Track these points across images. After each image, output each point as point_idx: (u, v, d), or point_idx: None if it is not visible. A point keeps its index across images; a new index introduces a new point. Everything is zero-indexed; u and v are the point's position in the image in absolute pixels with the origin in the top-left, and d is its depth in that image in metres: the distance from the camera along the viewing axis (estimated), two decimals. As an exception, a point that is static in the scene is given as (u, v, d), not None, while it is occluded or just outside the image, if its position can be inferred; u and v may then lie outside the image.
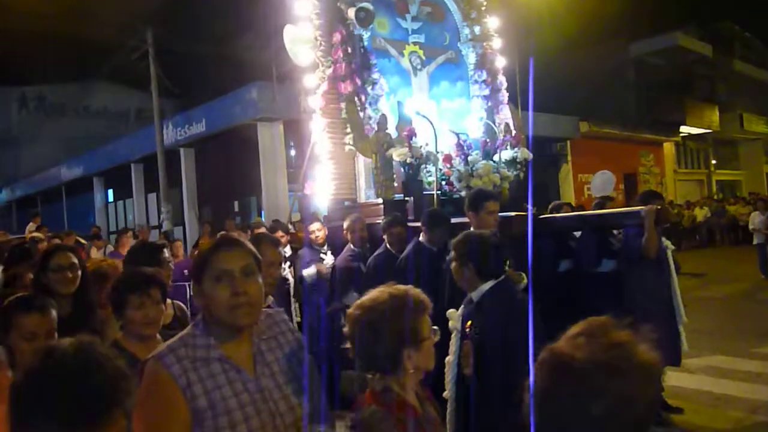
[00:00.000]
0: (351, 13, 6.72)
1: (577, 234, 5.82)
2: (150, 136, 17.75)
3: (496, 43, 8.11)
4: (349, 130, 6.68)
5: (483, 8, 8.06)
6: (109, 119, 30.82)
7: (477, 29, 7.91)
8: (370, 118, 6.60)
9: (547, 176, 21.86)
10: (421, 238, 4.93)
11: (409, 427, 1.94)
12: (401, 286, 2.06)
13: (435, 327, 2.07)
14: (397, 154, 6.21)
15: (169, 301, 3.06)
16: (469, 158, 6.87)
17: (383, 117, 6.46)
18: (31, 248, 5.34)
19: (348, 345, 2.05)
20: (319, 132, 6.70)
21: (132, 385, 1.31)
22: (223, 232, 7.60)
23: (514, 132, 7.32)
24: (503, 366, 2.86)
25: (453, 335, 3.36)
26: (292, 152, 16.12)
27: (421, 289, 2.11)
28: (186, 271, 9.02)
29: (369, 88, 6.71)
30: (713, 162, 31.38)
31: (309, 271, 5.84)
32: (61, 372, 1.23)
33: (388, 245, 5.26)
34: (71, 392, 1.20)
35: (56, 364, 1.25)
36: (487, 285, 3.26)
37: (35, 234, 10.66)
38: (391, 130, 6.47)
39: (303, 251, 6.29)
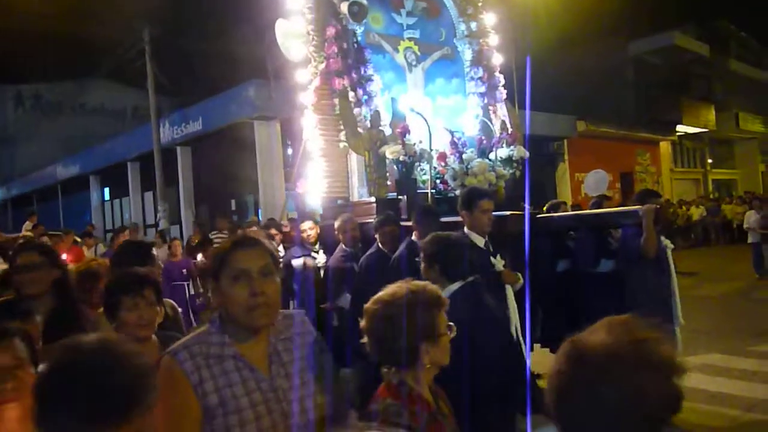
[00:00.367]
0: (344, 7, 6.58)
1: (574, 234, 5.80)
2: (147, 135, 17.74)
3: (493, 39, 7.99)
4: (341, 126, 6.56)
5: (479, 4, 7.90)
6: (105, 117, 30.74)
7: (473, 25, 7.79)
8: (363, 114, 6.49)
9: (543, 175, 21.88)
10: (414, 237, 4.86)
11: (423, 421, 1.95)
12: (419, 282, 2.08)
13: (450, 323, 2.07)
14: (390, 152, 6.11)
15: None
16: (464, 156, 6.78)
17: (376, 113, 6.34)
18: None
19: (365, 339, 2.05)
20: (311, 129, 6.58)
21: (154, 382, 1.31)
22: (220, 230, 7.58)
23: (510, 130, 7.24)
24: (467, 371, 2.81)
25: None
26: (289, 151, 16.10)
27: None
28: (185, 271, 9.03)
29: (364, 84, 6.58)
30: (709, 161, 31.46)
31: (297, 262, 5.85)
32: (84, 368, 1.24)
33: (380, 245, 5.19)
34: (94, 388, 1.21)
35: (79, 361, 1.25)
36: (454, 287, 3.18)
37: (27, 233, 10.65)
38: (385, 127, 6.36)
39: (293, 249, 6.26)
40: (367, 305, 2.06)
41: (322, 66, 6.62)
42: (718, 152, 32.33)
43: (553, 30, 18.46)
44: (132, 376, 1.25)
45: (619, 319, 1.22)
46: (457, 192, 6.47)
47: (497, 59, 7.98)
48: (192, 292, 8.80)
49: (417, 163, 6.33)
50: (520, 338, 4.26)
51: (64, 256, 9.15)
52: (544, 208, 7.29)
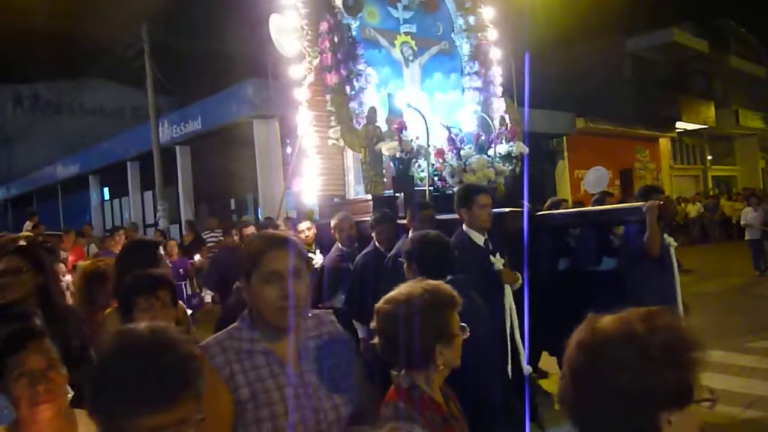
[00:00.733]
0: (339, 0, 6.49)
1: (575, 231, 5.70)
2: (146, 134, 17.72)
3: (491, 34, 7.88)
4: (332, 123, 6.43)
5: (477, -2, 7.78)
6: (104, 117, 30.73)
7: (471, 19, 7.67)
8: (355, 110, 6.37)
9: (542, 172, 21.87)
10: (410, 234, 4.83)
11: (437, 425, 1.92)
12: (432, 281, 2.05)
13: (463, 324, 2.04)
14: (387, 148, 6.00)
15: None
16: (462, 153, 6.68)
17: (372, 109, 6.20)
18: (51, 248, 5.13)
19: (375, 340, 2.02)
20: (305, 125, 6.46)
21: (203, 369, 1.34)
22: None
23: (509, 125, 7.12)
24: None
25: None
26: (288, 149, 16.09)
27: None
28: (181, 270, 9.01)
29: (354, 80, 6.45)
30: (709, 158, 31.44)
31: None
32: (137, 353, 1.27)
33: (376, 243, 5.10)
34: (146, 371, 1.24)
35: (132, 344, 1.29)
36: None
37: (30, 233, 10.63)
38: (381, 123, 6.23)
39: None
40: (379, 304, 2.02)
41: (317, 61, 6.50)
42: (718, 149, 32.31)
43: (551, 27, 18.45)
44: (182, 359, 1.29)
45: (634, 310, 1.23)
46: (456, 189, 6.43)
47: (495, 54, 7.88)
48: (189, 292, 8.78)
49: (414, 160, 6.23)
50: (518, 340, 4.18)
51: (63, 255, 9.19)
52: (545, 206, 7.23)
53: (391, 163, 6.15)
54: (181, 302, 3.32)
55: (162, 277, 2.63)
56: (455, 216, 4.59)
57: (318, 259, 5.79)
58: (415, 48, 7.29)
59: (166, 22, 18.42)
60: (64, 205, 26.78)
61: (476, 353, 2.92)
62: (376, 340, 2.01)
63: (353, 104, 6.39)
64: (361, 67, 6.53)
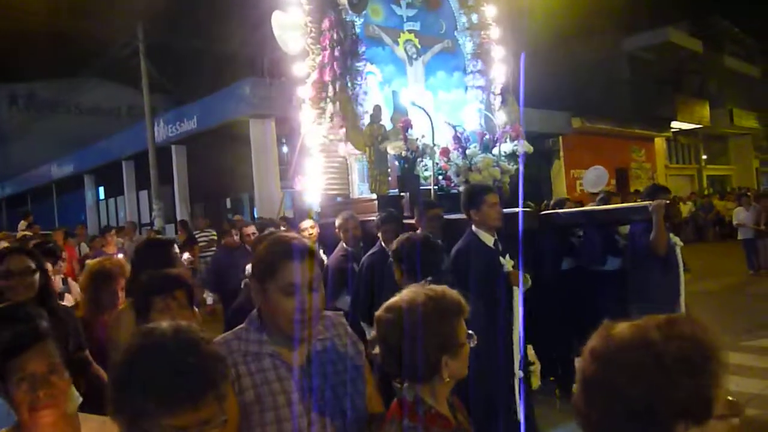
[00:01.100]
0: None
1: (580, 231, 5.67)
2: (141, 133, 17.69)
3: (494, 32, 7.80)
4: (327, 118, 6.34)
5: (480, -5, 7.69)
6: (100, 116, 30.61)
7: (474, 17, 7.62)
8: (357, 109, 6.29)
9: (539, 172, 21.91)
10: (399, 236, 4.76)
11: None
12: (437, 287, 1.90)
13: (470, 332, 1.91)
14: (392, 147, 5.90)
15: None
16: (468, 151, 6.60)
17: (377, 108, 6.07)
18: (54, 248, 5.06)
19: (376, 350, 1.88)
20: (309, 123, 6.37)
21: (227, 370, 1.33)
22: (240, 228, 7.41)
23: (513, 124, 7.05)
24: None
25: None
26: (285, 148, 16.09)
27: None
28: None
29: (355, 79, 6.36)
30: (704, 157, 31.54)
31: None
32: (160, 351, 1.25)
33: (383, 243, 4.99)
34: (171, 371, 1.22)
35: (156, 343, 1.28)
36: (413, 286, 3.20)
37: (26, 232, 10.63)
38: (386, 121, 6.11)
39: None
40: (379, 313, 1.88)
41: (320, 59, 6.40)
42: (713, 148, 32.42)
43: (546, 27, 18.47)
44: (206, 360, 1.27)
45: (652, 317, 1.16)
46: (461, 188, 6.26)
47: (498, 52, 7.82)
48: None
49: (420, 159, 6.13)
50: (515, 344, 4.08)
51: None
52: (546, 205, 7.21)
53: (396, 162, 6.04)
54: (196, 308, 3.36)
55: (179, 277, 2.58)
56: (463, 216, 4.54)
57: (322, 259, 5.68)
58: (419, 46, 7.25)
59: (163, 21, 18.38)
60: (59, 204, 26.70)
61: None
62: (376, 350, 1.89)
63: (356, 103, 6.30)
64: (360, 65, 6.43)
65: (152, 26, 17.11)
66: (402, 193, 5.97)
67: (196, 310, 3.00)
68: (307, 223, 5.98)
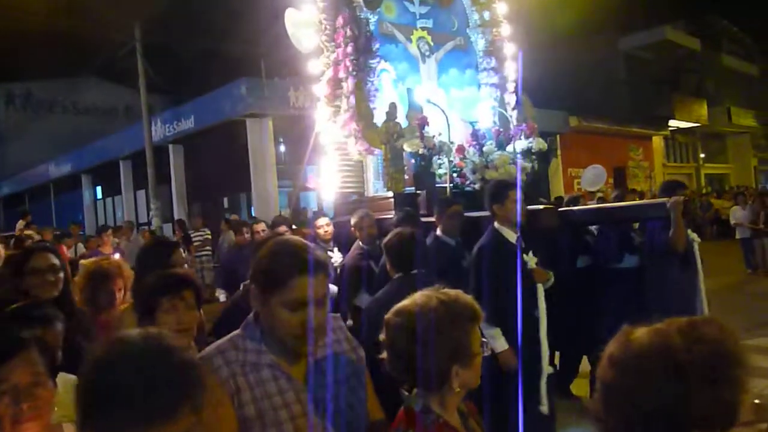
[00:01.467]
0: None
1: (595, 228, 5.59)
2: (138, 133, 17.66)
3: (505, 29, 7.78)
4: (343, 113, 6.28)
5: (492, -7, 7.64)
6: (97, 116, 30.56)
7: (486, 15, 7.61)
8: (373, 106, 6.23)
9: (536, 171, 21.87)
10: (438, 232, 4.66)
11: None
12: (450, 291, 1.78)
13: (484, 340, 1.83)
14: (409, 145, 5.81)
15: None
16: (484, 148, 6.54)
17: (393, 105, 6.03)
18: (52, 247, 5.01)
19: (384, 355, 1.79)
20: (323, 121, 6.30)
21: (204, 378, 1.24)
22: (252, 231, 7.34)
23: (528, 121, 7.01)
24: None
25: None
26: (282, 148, 16.07)
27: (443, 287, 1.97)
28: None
29: (369, 76, 6.31)
30: (702, 156, 31.56)
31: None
32: (128, 361, 1.17)
33: None
34: (140, 383, 1.14)
35: (124, 353, 1.19)
36: (396, 276, 3.54)
37: (27, 232, 10.59)
38: (401, 119, 6.05)
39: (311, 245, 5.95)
40: (388, 316, 1.79)
41: (335, 56, 6.36)
42: (711, 147, 32.44)
43: (544, 26, 18.48)
44: (179, 368, 1.18)
45: (674, 320, 1.13)
46: (477, 186, 6.29)
47: (510, 49, 7.77)
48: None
49: (436, 157, 6.07)
50: (543, 341, 4.09)
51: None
52: (564, 202, 7.10)
53: (411, 160, 5.96)
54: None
55: (187, 277, 2.50)
56: (480, 213, 4.51)
57: (336, 257, 5.63)
58: (432, 43, 7.23)
59: (160, 21, 18.36)
60: (57, 204, 26.65)
61: None
62: (384, 354, 1.79)
63: (370, 100, 6.24)
64: (373, 62, 6.38)
65: (149, 26, 17.08)
66: (418, 191, 5.91)
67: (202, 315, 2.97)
68: (322, 221, 5.91)
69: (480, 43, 7.62)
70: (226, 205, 17.52)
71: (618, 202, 5.60)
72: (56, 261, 3.01)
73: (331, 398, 1.75)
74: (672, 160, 29.71)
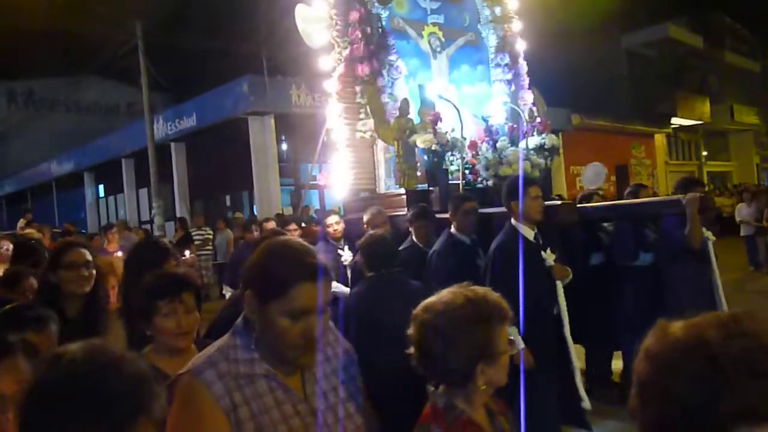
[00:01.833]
0: None
1: (609, 225, 5.52)
2: (141, 131, 17.68)
3: (516, 25, 7.72)
4: (361, 116, 6.26)
5: (502, -13, 7.59)
6: (99, 114, 30.60)
7: (497, 10, 7.54)
8: (386, 103, 6.19)
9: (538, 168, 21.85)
10: (452, 229, 4.61)
11: None
12: (479, 289, 1.77)
13: (512, 338, 1.84)
14: (422, 141, 5.73)
15: None
16: (497, 144, 6.47)
17: (405, 101, 5.96)
18: (35, 246, 5.03)
19: (411, 350, 1.78)
20: (335, 118, 6.25)
21: (157, 388, 1.15)
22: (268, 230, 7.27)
23: (539, 118, 6.95)
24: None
25: None
26: (284, 146, 16.08)
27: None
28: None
29: (385, 72, 6.28)
30: (704, 153, 31.50)
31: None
32: (72, 379, 1.08)
33: (414, 239, 4.90)
34: (86, 400, 1.06)
35: (66, 371, 1.10)
36: (369, 274, 3.75)
37: (27, 230, 10.58)
38: (413, 115, 6.01)
39: (318, 246, 5.73)
40: (416, 311, 1.78)
41: (346, 52, 6.30)
42: (713, 144, 32.38)
43: (546, 23, 18.43)
44: (129, 382, 1.10)
45: (712, 314, 1.10)
46: (490, 183, 6.25)
47: (521, 45, 7.72)
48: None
49: (450, 153, 5.99)
50: (568, 338, 4.09)
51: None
52: (577, 199, 7.04)
53: (423, 156, 5.89)
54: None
55: (186, 279, 2.38)
56: (493, 210, 4.48)
57: (347, 255, 5.59)
58: (443, 39, 7.17)
59: (162, 19, 18.36)
60: (59, 202, 26.70)
61: (378, 349, 2.99)
62: (411, 350, 1.78)
63: (384, 96, 6.19)
64: (392, 57, 6.36)
65: (151, 24, 17.08)
66: (431, 188, 5.85)
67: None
68: (333, 219, 5.84)
69: (491, 39, 7.55)
70: (228, 203, 17.54)
71: (632, 198, 5.43)
72: (90, 258, 3.06)
73: (329, 408, 1.67)
74: (674, 157, 29.65)
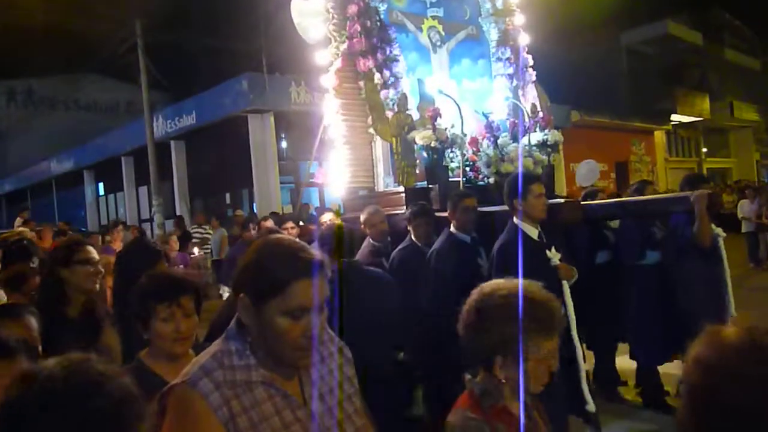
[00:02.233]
0: None
1: (615, 223, 5.43)
2: (140, 129, 17.66)
3: (518, 18, 7.50)
4: (360, 112, 6.11)
5: (503, -20, 7.39)
6: (98, 112, 30.58)
7: (499, 3, 7.34)
8: (390, 98, 5.98)
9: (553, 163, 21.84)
10: (452, 228, 4.51)
11: None
12: (534, 283, 1.78)
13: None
14: (421, 137, 5.58)
15: None
16: (499, 141, 6.35)
17: (404, 96, 5.81)
18: (29, 246, 5.01)
19: (461, 329, 1.82)
20: (332, 114, 6.10)
21: (142, 406, 1.09)
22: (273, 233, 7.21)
23: (542, 113, 6.81)
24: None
25: None
26: (283, 144, 16.08)
27: (459, 287, 1.93)
28: (182, 266, 8.97)
29: (389, 65, 6.08)
30: (704, 150, 31.50)
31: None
32: (49, 399, 1.00)
33: (413, 238, 4.78)
34: (63, 423, 0.98)
35: (42, 390, 1.01)
36: (333, 265, 3.78)
37: (23, 229, 10.56)
38: (412, 110, 5.84)
39: (314, 244, 5.79)
40: (468, 301, 1.81)
41: (344, 46, 6.13)
42: (713, 141, 32.37)
43: (545, 20, 18.41)
44: (113, 400, 1.03)
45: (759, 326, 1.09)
46: (491, 180, 6.12)
47: (524, 39, 7.52)
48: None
49: (449, 150, 5.86)
50: (575, 339, 4.00)
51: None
52: (582, 196, 6.97)
53: (423, 153, 5.74)
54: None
55: (186, 282, 2.28)
56: (493, 208, 4.38)
57: None
58: (443, 33, 6.98)
59: (161, 17, 18.33)
60: (59, 200, 26.70)
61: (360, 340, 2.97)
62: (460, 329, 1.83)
63: (385, 92, 6.02)
64: (396, 52, 6.19)
65: (150, 22, 17.05)
66: (430, 186, 5.71)
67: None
68: (327, 217, 5.74)
69: (493, 33, 7.36)
70: (228, 201, 17.54)
71: (637, 195, 5.32)
72: (98, 256, 3.09)
73: (328, 412, 1.62)
74: (674, 154, 29.64)
